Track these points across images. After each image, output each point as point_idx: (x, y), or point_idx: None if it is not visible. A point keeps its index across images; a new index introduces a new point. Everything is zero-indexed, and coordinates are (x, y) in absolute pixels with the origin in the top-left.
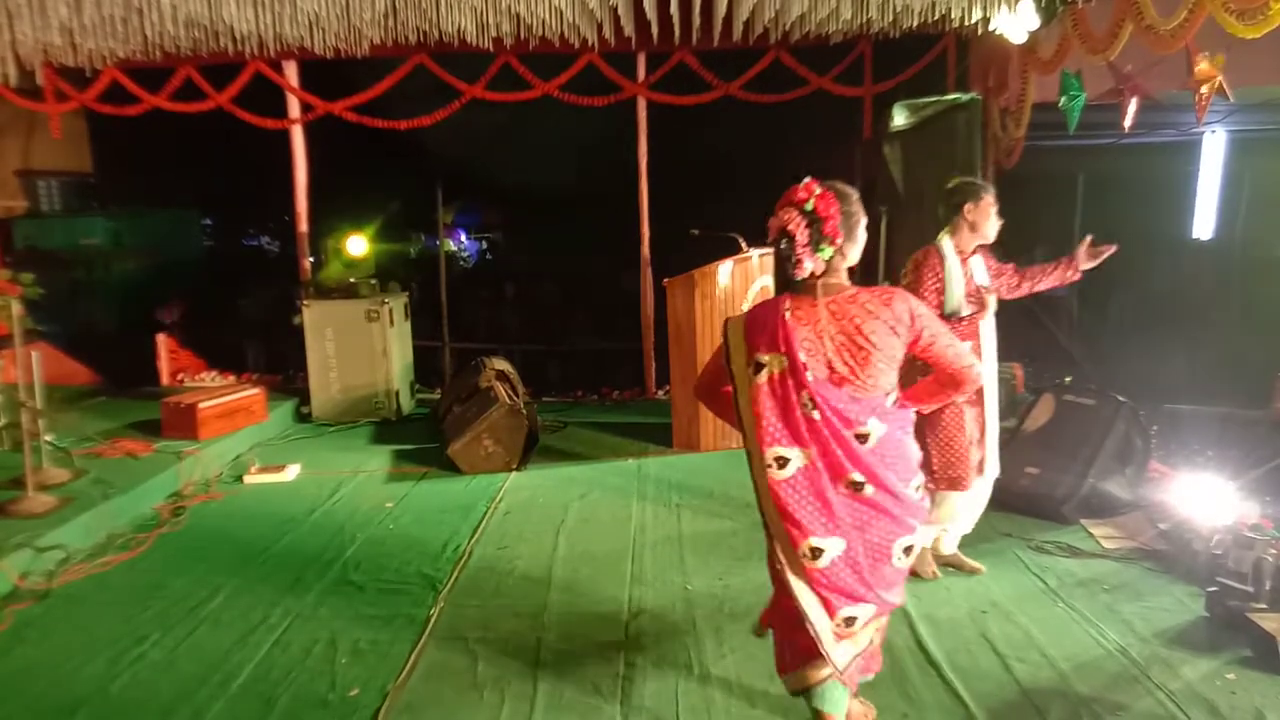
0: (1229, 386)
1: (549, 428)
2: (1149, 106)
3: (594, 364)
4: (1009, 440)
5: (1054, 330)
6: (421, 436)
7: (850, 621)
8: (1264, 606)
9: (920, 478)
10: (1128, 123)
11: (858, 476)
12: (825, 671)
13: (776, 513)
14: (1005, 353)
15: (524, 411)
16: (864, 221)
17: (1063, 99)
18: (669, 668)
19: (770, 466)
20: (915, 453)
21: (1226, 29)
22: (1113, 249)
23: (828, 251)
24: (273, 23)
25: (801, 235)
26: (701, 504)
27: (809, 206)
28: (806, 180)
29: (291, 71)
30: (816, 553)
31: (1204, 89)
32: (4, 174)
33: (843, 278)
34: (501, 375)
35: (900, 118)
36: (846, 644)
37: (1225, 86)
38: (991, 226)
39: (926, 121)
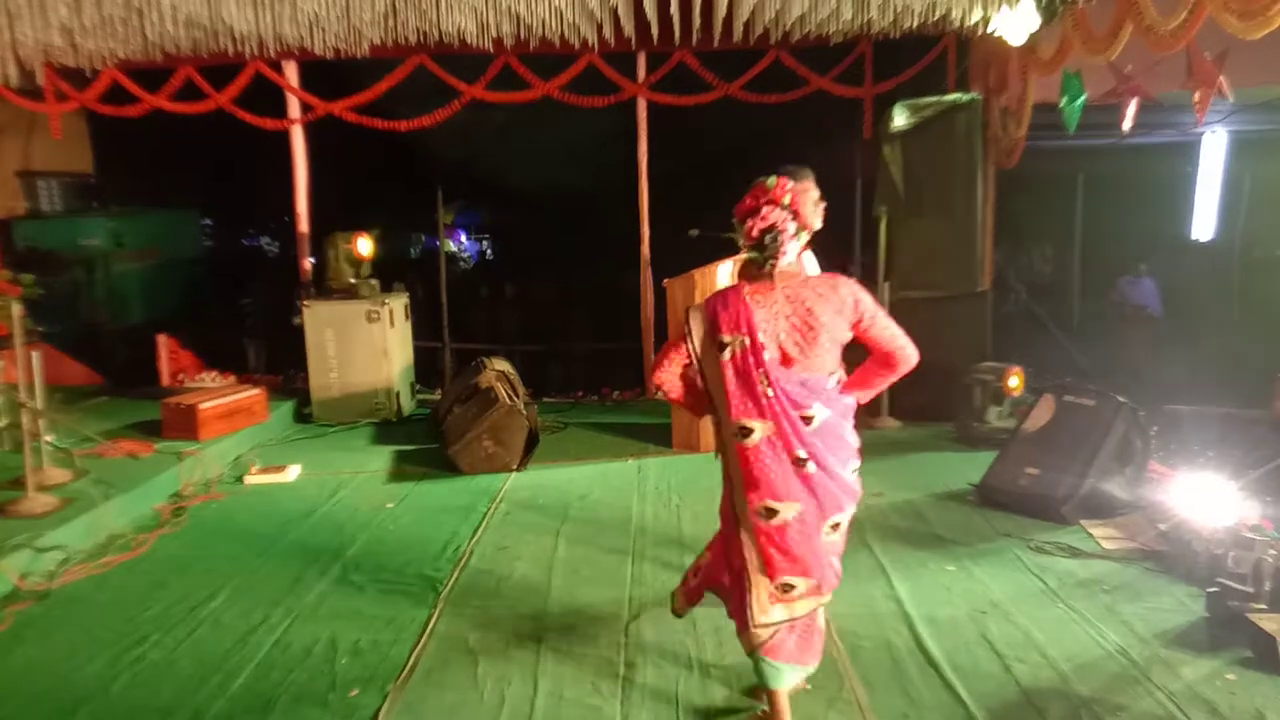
0: (1229, 386)
1: (549, 428)
2: (1149, 107)
3: (594, 364)
4: (1009, 441)
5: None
6: (422, 437)
7: (787, 589)
8: (1264, 607)
9: (858, 461)
10: (1127, 124)
11: (802, 453)
12: (765, 633)
13: (740, 474)
14: (1005, 353)
15: (524, 412)
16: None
17: (1063, 100)
18: (669, 667)
19: (737, 435)
20: (854, 439)
21: (1227, 29)
22: None
23: (804, 236)
24: (273, 23)
25: (789, 229)
26: (701, 504)
27: (787, 201)
28: (778, 179)
29: (291, 72)
30: (770, 512)
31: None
32: (4, 174)
33: (796, 264)
34: (502, 376)
35: (901, 118)
36: (780, 608)
37: (1225, 87)
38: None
39: (927, 122)
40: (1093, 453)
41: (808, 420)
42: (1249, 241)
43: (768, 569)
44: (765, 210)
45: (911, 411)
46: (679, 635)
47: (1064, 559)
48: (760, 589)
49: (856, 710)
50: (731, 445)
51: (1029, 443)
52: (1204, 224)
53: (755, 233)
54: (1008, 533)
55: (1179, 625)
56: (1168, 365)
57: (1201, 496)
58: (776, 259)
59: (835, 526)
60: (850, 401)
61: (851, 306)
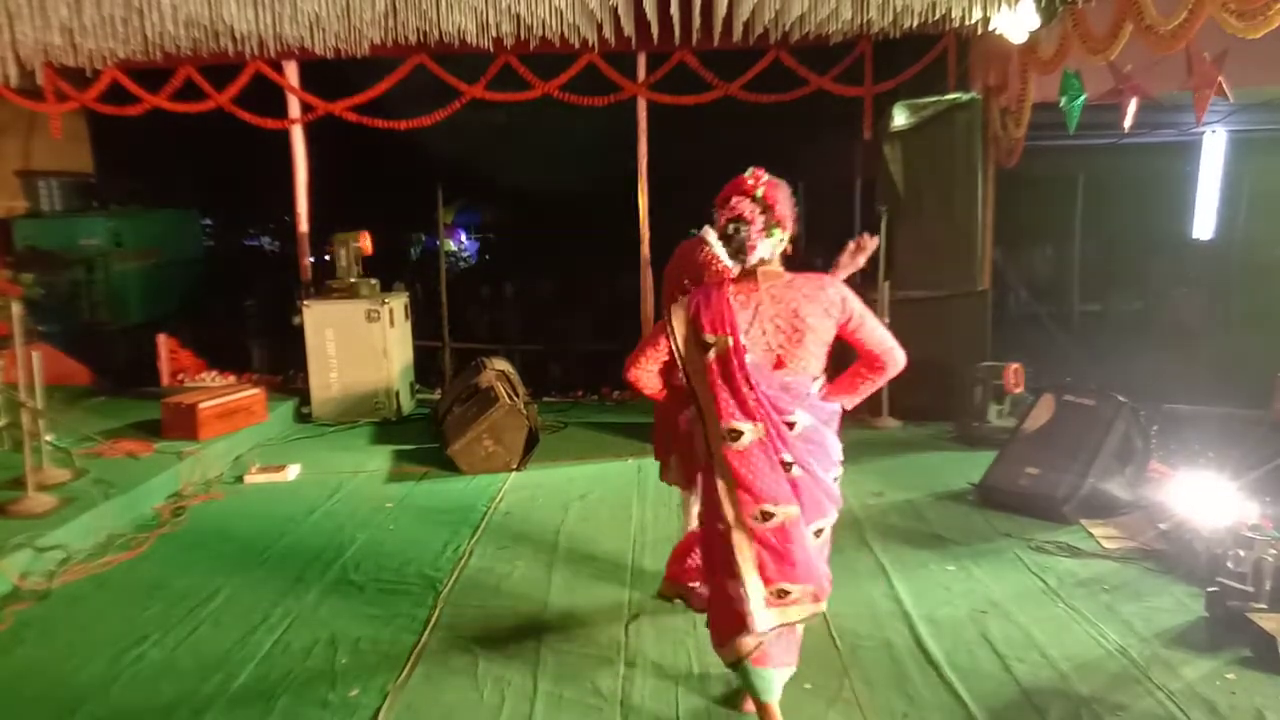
0: (1229, 387)
1: (549, 428)
2: (1149, 106)
3: (594, 364)
4: (1009, 440)
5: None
6: (421, 437)
7: (783, 594)
8: (1264, 606)
9: (839, 470)
10: (1127, 123)
11: (788, 457)
12: (754, 641)
13: (732, 480)
14: (1005, 353)
15: (524, 411)
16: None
17: (1063, 99)
18: (669, 667)
19: (725, 439)
20: (836, 448)
21: (1226, 29)
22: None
23: (778, 235)
24: (273, 23)
25: (757, 221)
26: None
27: (759, 194)
28: (753, 170)
29: (292, 71)
30: (767, 516)
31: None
32: (4, 174)
33: (778, 265)
34: (502, 375)
35: (901, 118)
36: (774, 613)
37: (1225, 87)
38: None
39: (927, 121)
40: (1093, 452)
41: (790, 426)
42: (1249, 241)
43: (763, 574)
44: (734, 200)
45: (911, 411)
46: (679, 635)
47: (1064, 559)
48: (757, 596)
49: (856, 709)
50: (719, 449)
51: (1029, 442)
52: (1204, 224)
53: (722, 222)
54: (1008, 532)
55: (1179, 625)
56: (1168, 365)
57: (1201, 496)
58: (746, 254)
59: (818, 533)
60: (834, 408)
61: (839, 307)
